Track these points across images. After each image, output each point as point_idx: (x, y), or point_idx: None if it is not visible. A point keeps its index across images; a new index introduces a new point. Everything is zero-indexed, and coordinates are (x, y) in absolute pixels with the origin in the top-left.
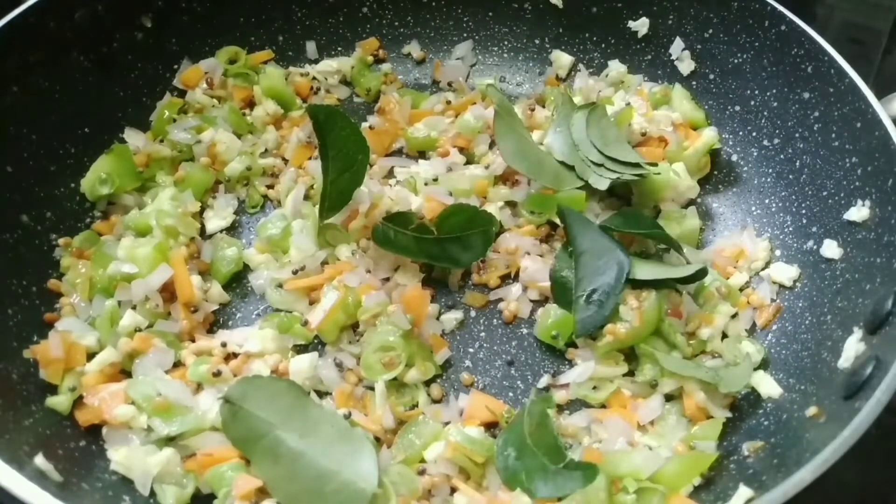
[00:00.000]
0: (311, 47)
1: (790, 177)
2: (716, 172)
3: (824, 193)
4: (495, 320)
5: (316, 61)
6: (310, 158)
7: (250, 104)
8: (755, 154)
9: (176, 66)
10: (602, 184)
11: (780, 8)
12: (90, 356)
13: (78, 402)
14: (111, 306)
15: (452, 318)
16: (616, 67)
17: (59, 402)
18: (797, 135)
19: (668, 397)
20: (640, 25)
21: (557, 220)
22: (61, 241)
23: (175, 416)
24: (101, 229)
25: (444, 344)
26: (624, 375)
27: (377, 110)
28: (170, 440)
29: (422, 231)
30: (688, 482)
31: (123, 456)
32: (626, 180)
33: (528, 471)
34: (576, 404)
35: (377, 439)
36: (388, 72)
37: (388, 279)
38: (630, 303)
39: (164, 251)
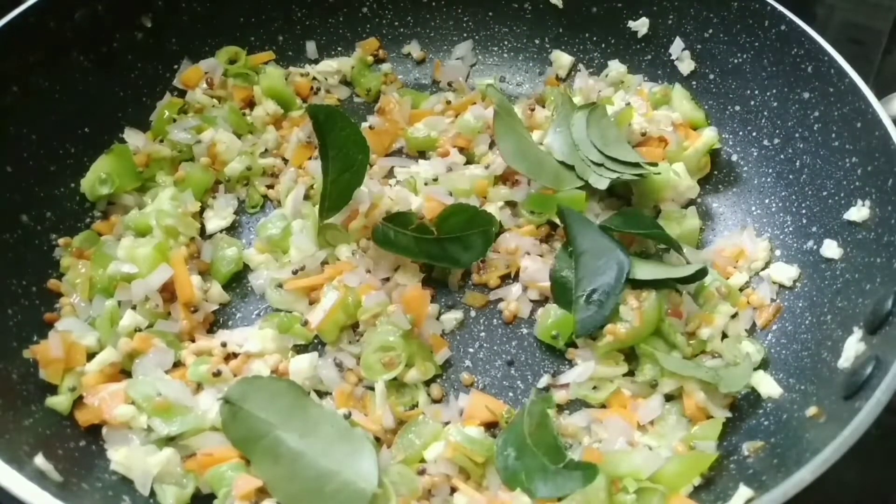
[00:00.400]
0: (311, 47)
1: (790, 177)
2: (716, 172)
3: (824, 193)
4: (495, 320)
5: (316, 61)
6: (310, 158)
7: (250, 104)
8: (755, 154)
9: (176, 66)
10: (602, 183)
11: (780, 8)
12: (90, 356)
13: (78, 402)
14: (111, 306)
15: (452, 318)
16: (616, 67)
17: (59, 402)
18: (797, 135)
19: (668, 397)
20: (640, 25)
21: (557, 220)
22: (61, 241)
23: (175, 416)
24: (101, 229)
25: (444, 344)
26: (624, 375)
27: (377, 110)
28: (170, 440)
29: (422, 231)
30: (688, 482)
31: (123, 456)
32: (626, 180)
33: (527, 471)
34: (576, 404)
35: (377, 439)
36: (388, 72)
37: (388, 279)
38: (630, 303)
39: (164, 251)
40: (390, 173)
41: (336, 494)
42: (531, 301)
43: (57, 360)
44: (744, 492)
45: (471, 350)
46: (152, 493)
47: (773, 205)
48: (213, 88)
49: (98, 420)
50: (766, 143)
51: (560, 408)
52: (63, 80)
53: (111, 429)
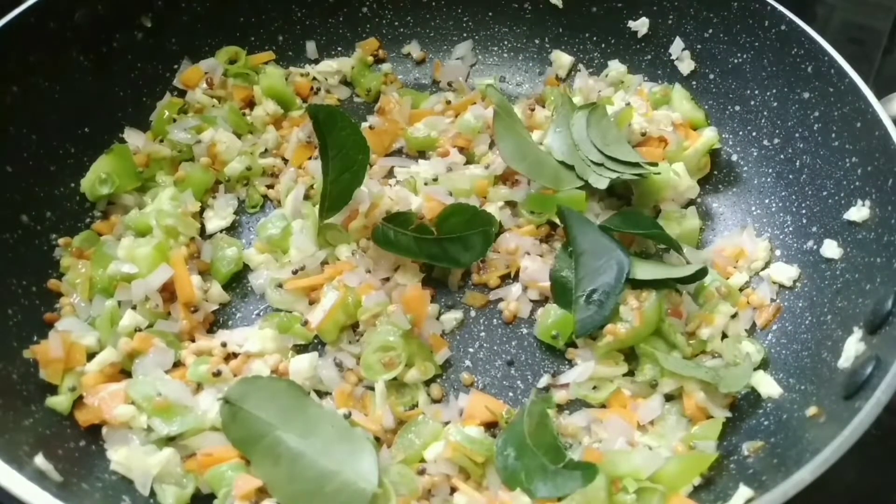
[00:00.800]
0: (311, 47)
1: (790, 177)
2: (716, 172)
3: (824, 193)
4: (495, 320)
5: (316, 61)
6: (310, 158)
7: (250, 104)
8: (755, 154)
9: (176, 66)
10: (602, 183)
11: (780, 8)
12: (90, 356)
13: (78, 402)
14: (111, 306)
15: (452, 318)
16: (616, 67)
17: (59, 402)
18: (797, 135)
19: (668, 397)
20: (640, 25)
21: (557, 220)
22: (61, 241)
23: (175, 416)
24: (101, 229)
25: (444, 344)
26: (624, 375)
27: (377, 110)
28: (170, 440)
29: (422, 231)
30: (688, 482)
31: (123, 456)
32: (626, 180)
33: (527, 471)
34: (576, 404)
35: (377, 439)
36: (388, 72)
37: (388, 279)
38: (630, 303)
39: (164, 251)
40: (390, 173)
41: (336, 494)
42: (531, 301)
43: (57, 360)
44: (744, 492)
45: (471, 350)
46: (152, 493)
47: (773, 205)
48: (213, 88)
49: (98, 420)
50: (766, 142)
51: (560, 408)
52: (63, 80)
53: (111, 429)
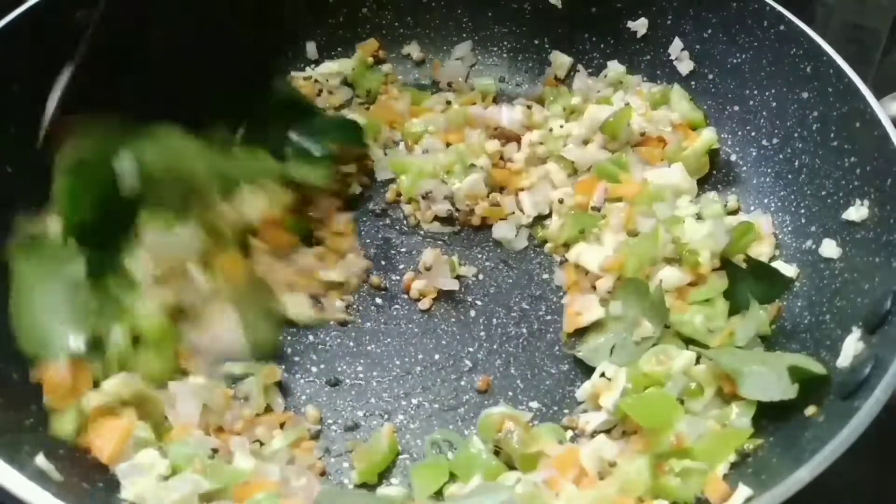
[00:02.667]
0: (311, 48)
1: (789, 176)
2: (715, 172)
3: (823, 193)
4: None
5: (316, 62)
6: None
7: None
8: (754, 154)
9: None
10: None
11: (780, 8)
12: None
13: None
14: None
15: None
16: (615, 68)
17: (64, 426)
18: (796, 135)
19: None
20: (639, 25)
21: None
22: None
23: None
24: None
25: None
26: None
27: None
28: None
29: None
30: (724, 458)
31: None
32: None
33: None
34: None
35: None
36: (388, 72)
37: None
38: None
39: None
40: None
41: None
42: None
43: (63, 386)
44: (744, 491)
45: None
46: None
47: (772, 204)
48: None
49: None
50: (764, 142)
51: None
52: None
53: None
